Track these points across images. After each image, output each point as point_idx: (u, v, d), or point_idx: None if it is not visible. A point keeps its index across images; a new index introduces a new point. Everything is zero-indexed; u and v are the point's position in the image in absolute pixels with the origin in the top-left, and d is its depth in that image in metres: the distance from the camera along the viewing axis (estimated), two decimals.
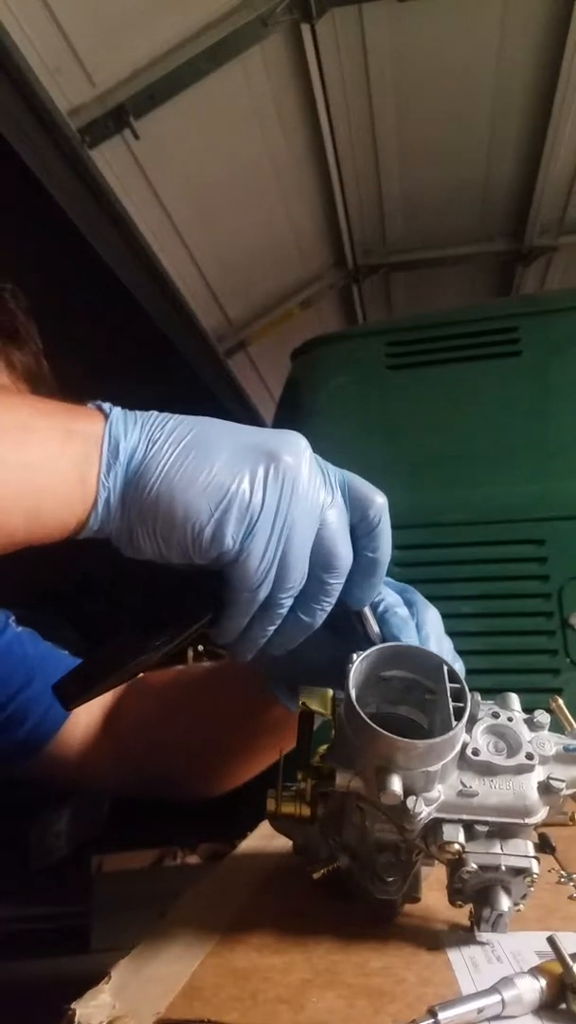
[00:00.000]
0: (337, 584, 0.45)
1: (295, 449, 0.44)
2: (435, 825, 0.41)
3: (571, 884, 0.51)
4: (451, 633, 0.55)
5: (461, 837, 0.41)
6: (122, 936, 0.43)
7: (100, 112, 1.48)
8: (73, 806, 1.36)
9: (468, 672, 0.50)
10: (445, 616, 0.56)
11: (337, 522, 0.45)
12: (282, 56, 1.58)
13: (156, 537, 0.42)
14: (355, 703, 0.41)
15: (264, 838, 0.62)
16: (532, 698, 0.50)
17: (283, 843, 0.60)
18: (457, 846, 0.40)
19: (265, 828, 0.63)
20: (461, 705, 0.42)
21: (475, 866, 0.41)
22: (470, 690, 0.43)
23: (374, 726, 0.40)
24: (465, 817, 0.41)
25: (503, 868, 0.41)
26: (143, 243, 1.79)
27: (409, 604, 0.53)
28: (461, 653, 0.54)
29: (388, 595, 0.53)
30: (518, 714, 0.44)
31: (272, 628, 0.45)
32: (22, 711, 0.70)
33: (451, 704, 0.42)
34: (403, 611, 0.51)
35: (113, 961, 0.40)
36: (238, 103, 1.62)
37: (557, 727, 0.47)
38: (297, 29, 1.52)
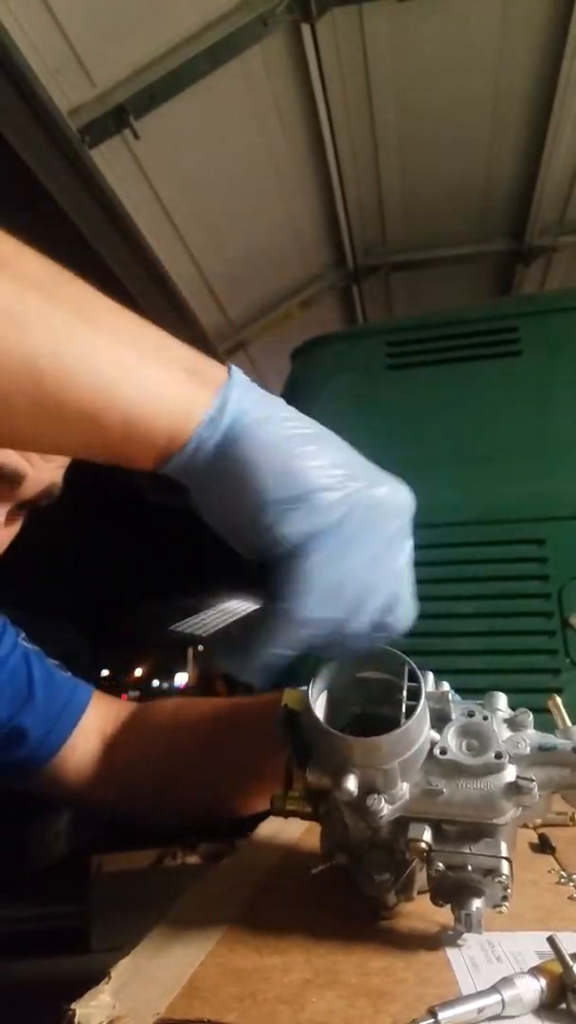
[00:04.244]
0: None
1: (400, 503, 0.43)
2: (405, 823, 0.42)
3: (571, 885, 0.51)
4: (451, 633, 0.55)
5: (427, 836, 0.41)
6: (122, 936, 0.43)
7: (100, 112, 1.48)
8: (73, 807, 1.35)
9: (468, 672, 0.50)
10: (445, 616, 0.56)
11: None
12: (282, 56, 1.58)
13: (232, 499, 0.40)
14: (310, 699, 0.41)
15: (265, 838, 0.62)
16: (532, 698, 0.50)
17: (284, 843, 0.60)
18: (423, 844, 0.41)
19: (266, 828, 0.63)
20: (413, 703, 0.42)
21: (442, 865, 0.41)
22: (455, 690, 0.44)
23: (324, 724, 0.41)
24: (432, 816, 0.41)
25: (470, 868, 0.41)
26: (143, 243, 1.79)
27: None
28: (461, 653, 0.54)
29: None
30: (500, 713, 0.44)
31: (288, 649, 0.42)
32: (22, 730, 0.70)
33: (405, 702, 0.42)
34: None
35: (113, 961, 0.40)
36: (238, 103, 1.62)
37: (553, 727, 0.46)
38: (297, 29, 1.52)
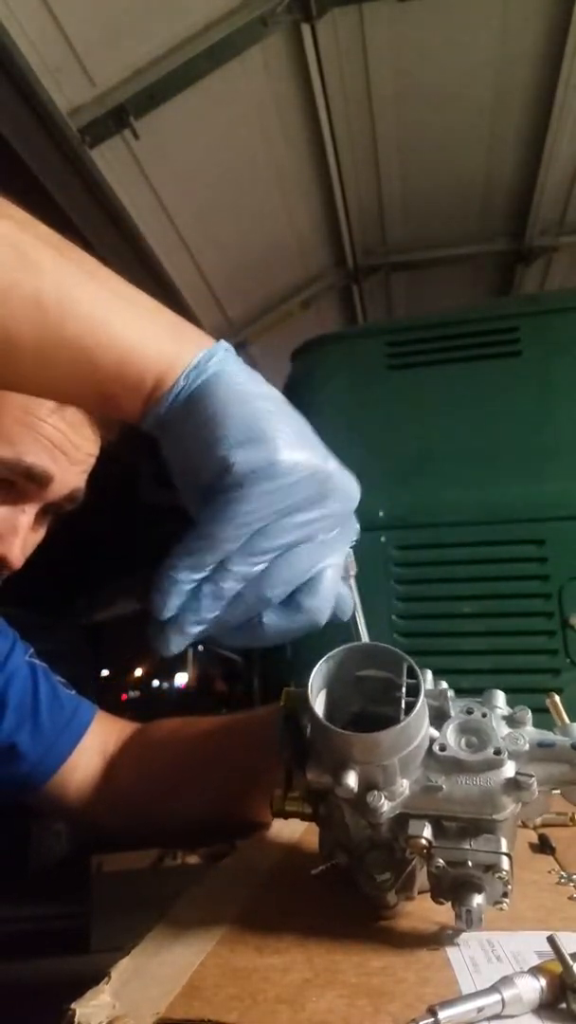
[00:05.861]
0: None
1: (349, 492, 0.43)
2: (405, 820, 0.42)
3: (571, 884, 0.51)
4: (451, 633, 0.55)
5: (427, 832, 0.41)
6: (122, 936, 0.43)
7: (100, 112, 1.48)
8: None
9: (468, 672, 0.50)
10: (446, 616, 0.56)
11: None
12: (282, 56, 1.58)
13: (194, 440, 0.41)
14: (310, 697, 0.42)
15: (265, 838, 0.62)
16: (532, 698, 0.50)
17: (283, 843, 0.60)
18: (423, 841, 0.41)
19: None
20: (412, 700, 0.42)
21: (442, 862, 0.41)
22: (455, 690, 0.44)
23: (324, 721, 0.41)
24: (431, 812, 0.41)
25: (470, 864, 0.41)
26: (143, 243, 1.79)
27: None
28: (462, 653, 0.54)
29: None
30: (499, 711, 0.44)
31: (220, 601, 0.41)
32: (25, 745, 0.71)
33: (404, 699, 0.42)
34: None
35: (113, 961, 0.40)
36: (238, 103, 1.62)
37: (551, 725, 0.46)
38: (297, 29, 1.52)
